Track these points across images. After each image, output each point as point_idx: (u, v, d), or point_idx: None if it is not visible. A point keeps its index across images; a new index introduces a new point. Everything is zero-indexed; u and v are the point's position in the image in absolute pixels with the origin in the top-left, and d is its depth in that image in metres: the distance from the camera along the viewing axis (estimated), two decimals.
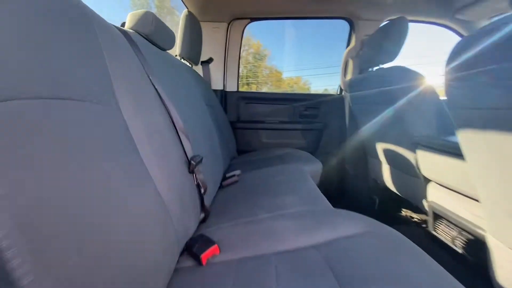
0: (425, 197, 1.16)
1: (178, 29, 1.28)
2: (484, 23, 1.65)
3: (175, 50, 1.27)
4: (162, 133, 0.59)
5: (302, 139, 1.88)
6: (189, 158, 0.69)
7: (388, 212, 1.63)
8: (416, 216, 1.51)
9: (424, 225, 1.32)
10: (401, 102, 1.14)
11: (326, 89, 2.14)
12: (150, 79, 0.64)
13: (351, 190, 1.85)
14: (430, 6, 1.62)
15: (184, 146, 0.68)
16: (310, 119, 1.92)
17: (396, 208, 1.64)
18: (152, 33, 0.79)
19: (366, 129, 1.60)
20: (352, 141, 1.81)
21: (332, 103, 1.89)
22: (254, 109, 1.90)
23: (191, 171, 0.69)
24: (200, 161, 0.73)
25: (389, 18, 1.65)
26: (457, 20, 1.66)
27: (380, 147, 1.48)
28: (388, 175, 1.50)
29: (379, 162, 1.58)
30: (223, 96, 1.84)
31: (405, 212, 1.59)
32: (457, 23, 1.68)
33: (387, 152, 1.43)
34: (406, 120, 1.15)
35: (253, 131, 1.86)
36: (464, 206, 0.92)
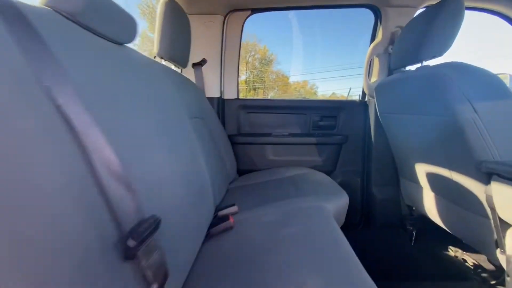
0: (501, 246, 0.80)
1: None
2: None
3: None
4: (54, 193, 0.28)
5: (317, 155, 1.54)
6: (125, 232, 0.37)
7: (430, 248, 1.27)
8: (471, 259, 1.14)
9: (492, 282, 0.95)
10: (466, 113, 0.80)
11: (343, 95, 1.80)
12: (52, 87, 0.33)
13: (379, 217, 1.49)
14: None
15: (116, 210, 0.36)
16: (326, 131, 1.58)
17: (440, 243, 1.28)
18: (82, 13, 0.48)
19: (401, 145, 1.25)
20: (379, 158, 1.46)
21: (353, 112, 1.54)
22: (258, 120, 1.58)
23: (130, 257, 0.37)
24: (154, 228, 0.41)
25: (427, 4, 1.31)
26: None
27: (421, 169, 1.13)
28: (431, 204, 1.14)
29: (417, 186, 1.23)
30: (220, 104, 1.53)
31: (454, 252, 1.22)
32: None
33: (433, 177, 1.08)
34: (472, 138, 0.81)
35: (257, 146, 1.54)
36: None
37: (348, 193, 1.06)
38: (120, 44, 0.61)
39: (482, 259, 1.11)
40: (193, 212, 0.64)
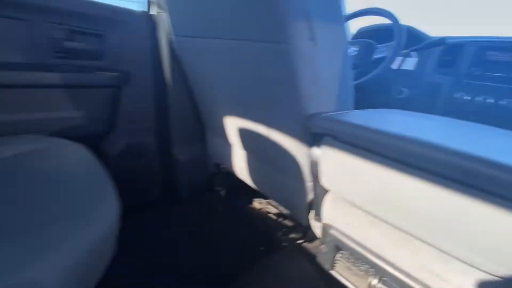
0: (317, 213, 0.69)
1: None
2: None
3: None
4: None
5: (70, 109, 0.83)
6: None
7: (239, 206, 1.13)
8: (274, 209, 1.11)
9: (299, 241, 0.91)
10: (302, 39, 0.48)
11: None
12: None
13: (184, 183, 1.14)
14: None
15: None
16: (86, 61, 0.86)
17: (247, 198, 1.17)
18: None
19: (205, 87, 0.87)
20: (179, 106, 1.03)
21: (134, 31, 0.92)
22: None
23: None
24: None
25: None
26: None
27: (232, 123, 0.83)
28: (244, 165, 0.92)
29: (226, 144, 0.96)
30: None
31: (259, 204, 1.15)
32: None
33: (245, 134, 0.81)
34: (303, 82, 0.53)
35: None
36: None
37: (139, 164, 0.58)
38: None
39: (284, 210, 1.10)
40: None
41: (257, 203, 1.16)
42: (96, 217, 0.42)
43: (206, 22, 0.68)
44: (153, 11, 0.94)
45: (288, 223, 1.03)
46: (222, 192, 1.16)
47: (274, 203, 1.12)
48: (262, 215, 1.10)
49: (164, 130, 1.06)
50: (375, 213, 0.52)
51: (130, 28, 0.90)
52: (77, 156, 0.63)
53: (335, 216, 0.62)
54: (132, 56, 0.93)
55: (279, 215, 1.08)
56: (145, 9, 0.95)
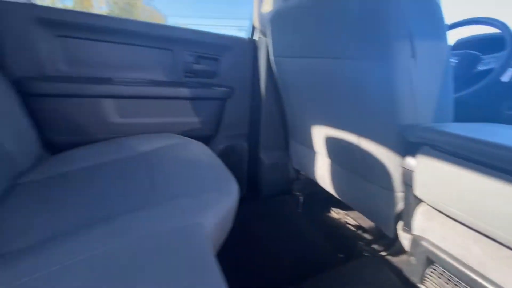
0: (407, 224, 0.69)
1: None
2: None
3: None
4: None
5: (191, 116, 1.07)
6: None
7: (316, 213, 1.18)
8: (353, 220, 1.11)
9: (384, 253, 0.91)
10: (404, 56, 0.54)
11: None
12: None
13: (266, 184, 1.27)
14: None
15: None
16: (205, 79, 1.11)
17: (325, 206, 1.21)
18: None
19: (297, 101, 0.98)
20: (269, 117, 1.18)
21: (240, 54, 1.13)
22: (85, 53, 0.89)
23: None
24: None
25: None
26: None
27: (320, 132, 0.91)
28: (326, 173, 0.98)
29: (310, 151, 1.04)
30: None
31: (336, 214, 1.18)
32: None
33: (332, 143, 0.88)
34: (401, 94, 0.58)
35: (84, 101, 0.88)
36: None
37: (232, 163, 0.72)
38: None
39: (361, 217, 1.10)
40: None
41: (335, 213, 1.18)
42: (226, 192, 0.57)
43: (305, 44, 0.80)
44: (256, 36, 1.13)
45: (368, 236, 1.03)
46: (301, 197, 1.23)
47: (352, 215, 1.13)
48: (340, 224, 1.12)
49: (255, 136, 1.22)
50: (477, 227, 0.51)
51: (237, 52, 1.11)
52: (201, 150, 0.82)
53: (428, 228, 0.61)
54: (236, 74, 1.13)
55: (358, 227, 1.08)
56: (250, 36, 1.15)
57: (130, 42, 0.93)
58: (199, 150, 0.80)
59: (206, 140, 1.12)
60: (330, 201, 1.14)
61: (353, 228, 1.08)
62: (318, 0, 0.70)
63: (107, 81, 0.90)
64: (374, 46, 0.57)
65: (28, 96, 0.79)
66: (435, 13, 0.56)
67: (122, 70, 0.95)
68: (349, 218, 1.12)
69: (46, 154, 0.81)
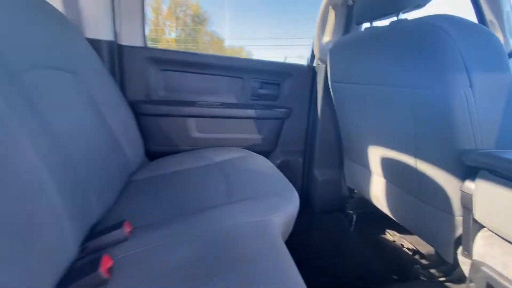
0: (466, 249, 0.68)
1: None
2: None
3: None
4: None
5: (255, 133, 1.23)
6: None
7: (369, 233, 1.18)
8: (409, 243, 1.09)
9: (443, 279, 0.88)
10: (460, 86, 0.58)
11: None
12: None
13: (319, 200, 1.33)
14: None
15: None
16: (268, 101, 1.27)
17: (379, 227, 1.20)
18: None
19: (353, 123, 1.05)
20: (324, 136, 1.26)
21: (300, 79, 1.26)
22: (178, 81, 1.14)
23: None
24: None
25: None
26: None
27: (376, 152, 0.96)
28: (380, 191, 1.00)
29: (365, 170, 1.08)
30: (116, 54, 1.01)
31: (392, 236, 1.16)
32: None
33: (389, 164, 0.91)
34: (458, 121, 0.61)
35: (175, 119, 1.11)
36: None
37: (288, 177, 0.82)
38: None
39: (418, 242, 1.07)
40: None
41: (390, 235, 1.17)
42: (289, 198, 0.68)
43: (362, 72, 0.88)
44: (315, 63, 1.25)
45: (425, 261, 0.99)
46: (354, 215, 1.25)
47: (410, 239, 1.10)
48: (395, 246, 1.11)
49: (310, 153, 1.32)
50: None
51: (297, 77, 1.24)
52: (264, 162, 0.95)
53: (489, 253, 0.61)
54: (295, 96, 1.26)
55: (415, 251, 1.05)
56: (309, 63, 1.28)
57: (210, 73, 1.15)
58: (262, 162, 0.94)
59: (266, 154, 1.25)
60: (385, 222, 1.13)
61: (409, 252, 1.06)
62: (376, 34, 0.79)
63: (192, 103, 1.13)
64: (427, 75, 0.62)
65: (138, 114, 1.05)
66: (494, 46, 0.59)
67: (203, 94, 1.17)
68: (405, 242, 1.10)
69: (146, 160, 1.05)
